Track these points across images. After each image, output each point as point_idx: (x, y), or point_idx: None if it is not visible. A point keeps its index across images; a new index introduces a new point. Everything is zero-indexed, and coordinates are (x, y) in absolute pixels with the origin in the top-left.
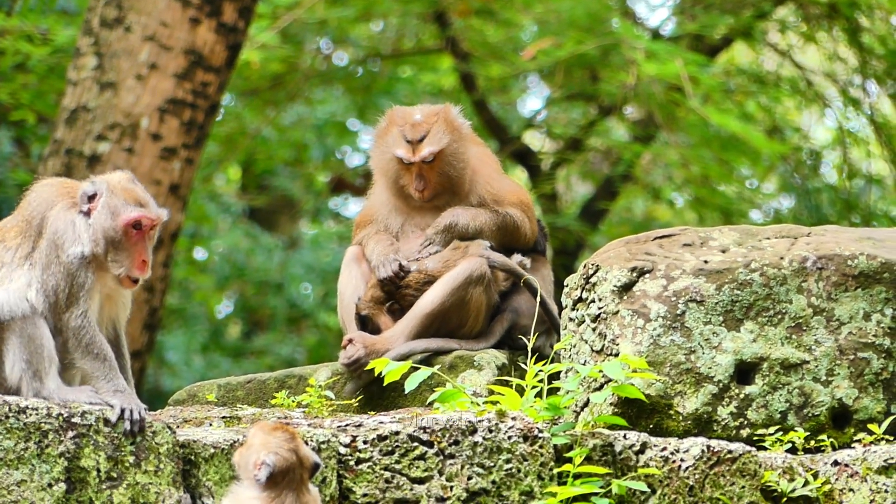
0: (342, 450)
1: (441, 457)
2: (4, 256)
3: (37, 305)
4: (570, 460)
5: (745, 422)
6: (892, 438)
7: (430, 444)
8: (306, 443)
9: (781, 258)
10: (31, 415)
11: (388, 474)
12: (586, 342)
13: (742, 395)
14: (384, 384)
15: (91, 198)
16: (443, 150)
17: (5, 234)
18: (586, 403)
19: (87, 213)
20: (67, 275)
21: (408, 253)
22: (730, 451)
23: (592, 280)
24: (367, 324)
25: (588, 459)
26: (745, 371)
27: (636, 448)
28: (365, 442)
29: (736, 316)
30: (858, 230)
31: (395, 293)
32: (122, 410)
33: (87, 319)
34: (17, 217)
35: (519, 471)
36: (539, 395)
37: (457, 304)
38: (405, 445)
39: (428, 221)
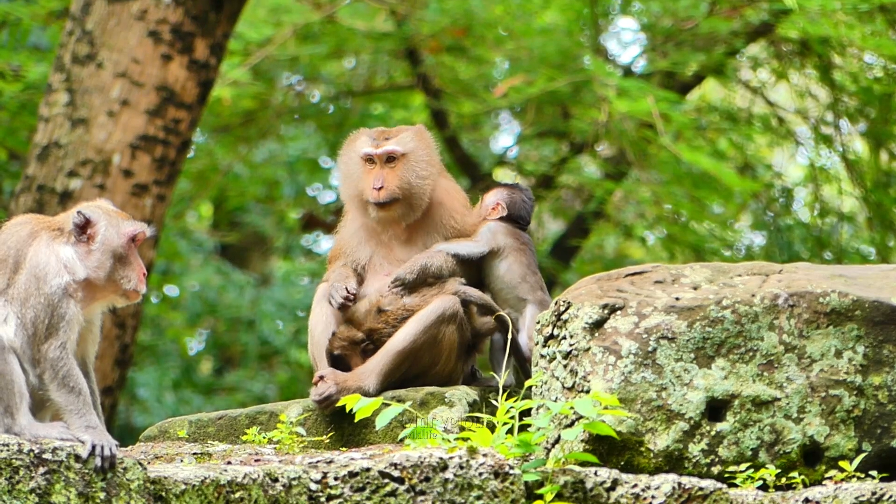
0: (313, 486)
1: (412, 493)
2: None
3: (7, 341)
4: (541, 497)
5: (717, 459)
6: (863, 476)
7: (400, 481)
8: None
9: (753, 295)
10: (1, 451)
11: None
12: (557, 379)
13: (713, 432)
14: (355, 420)
15: (83, 227)
16: (407, 154)
17: None
18: (557, 440)
19: (87, 241)
20: (48, 305)
21: (378, 290)
22: (701, 489)
23: (564, 317)
24: (338, 362)
25: (559, 496)
26: (716, 408)
27: (607, 485)
28: (336, 478)
29: (707, 353)
30: (830, 267)
31: (371, 332)
32: (94, 447)
33: (66, 351)
34: None
35: None
36: (510, 431)
37: (429, 343)
38: (376, 482)
39: (396, 254)
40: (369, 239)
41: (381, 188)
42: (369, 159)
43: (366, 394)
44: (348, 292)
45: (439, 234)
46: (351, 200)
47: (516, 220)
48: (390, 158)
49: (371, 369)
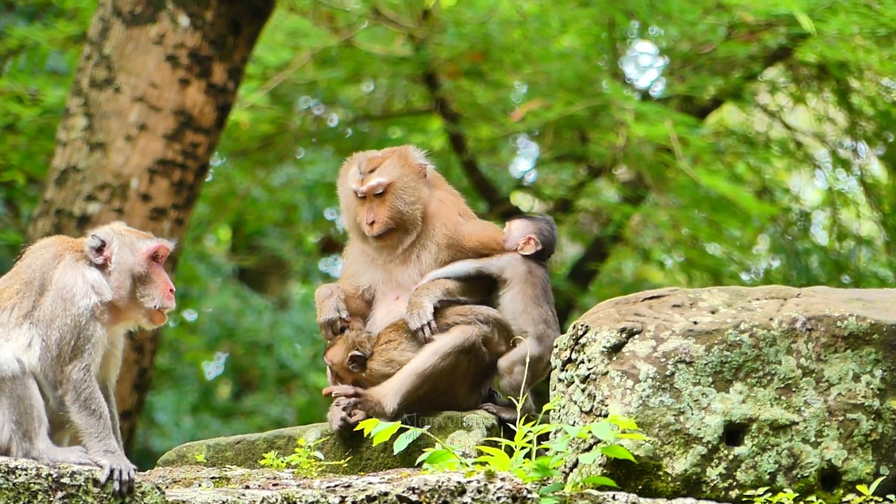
0: None
1: None
2: (1, 317)
3: (28, 365)
4: None
5: (734, 483)
6: (881, 500)
7: None
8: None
9: (771, 319)
10: (20, 475)
11: None
12: (575, 403)
13: (731, 456)
14: (373, 444)
15: (99, 249)
16: (392, 183)
17: None
18: (575, 464)
19: (103, 265)
20: (75, 327)
21: (386, 318)
22: None
23: (582, 341)
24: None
25: None
26: (734, 432)
27: None
28: (354, 502)
29: (725, 377)
30: (848, 291)
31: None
32: (112, 471)
33: (89, 374)
34: (11, 279)
35: None
36: (528, 455)
37: (448, 370)
38: None
39: (396, 277)
40: (370, 264)
41: (373, 223)
42: (357, 194)
43: (383, 413)
44: (339, 313)
45: (434, 245)
46: (350, 229)
47: (544, 255)
48: (376, 193)
49: (390, 389)
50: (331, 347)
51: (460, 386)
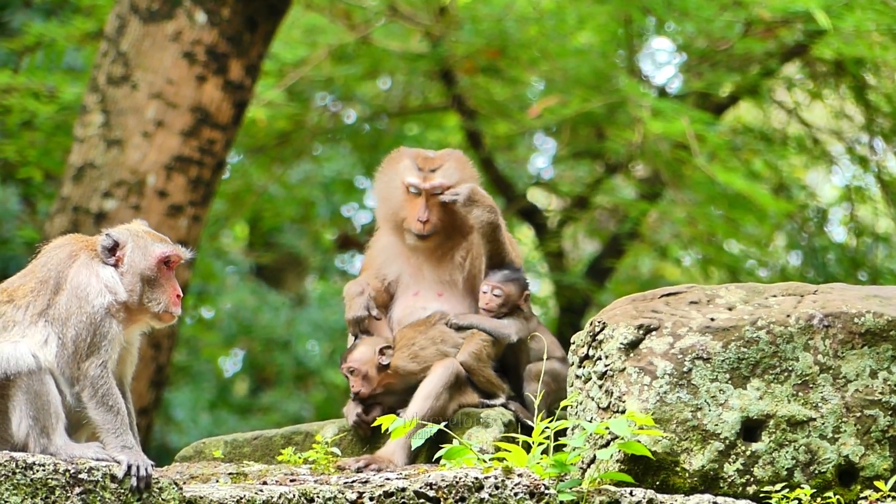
0: None
1: None
2: (16, 315)
3: (44, 361)
4: None
5: (752, 479)
6: None
7: (436, 501)
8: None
9: (788, 316)
10: (37, 471)
11: None
12: (593, 399)
13: (748, 452)
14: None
15: (112, 249)
16: (452, 187)
17: (13, 293)
18: (593, 460)
19: (115, 264)
20: (90, 324)
21: (403, 312)
22: None
23: (599, 337)
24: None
25: None
26: (751, 428)
27: None
28: (371, 498)
29: (742, 373)
30: (865, 288)
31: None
32: (129, 466)
33: (106, 370)
34: (26, 277)
35: None
36: (545, 451)
37: (445, 405)
38: (411, 502)
39: (424, 274)
40: (398, 256)
41: (427, 222)
42: (414, 189)
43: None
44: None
45: (467, 251)
46: (387, 221)
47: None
48: (438, 192)
49: (397, 444)
50: (352, 351)
51: (469, 400)
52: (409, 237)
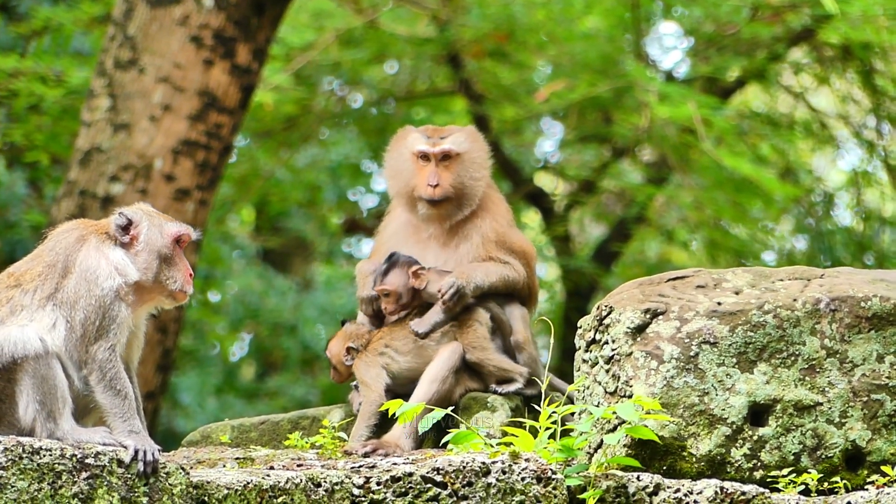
0: (356, 491)
1: (454, 498)
2: (23, 299)
3: (52, 345)
4: (583, 502)
5: (759, 463)
6: None
7: (443, 486)
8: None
9: (795, 300)
10: (44, 455)
11: None
12: (599, 384)
13: (755, 437)
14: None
15: (125, 228)
16: (461, 155)
17: (20, 277)
18: (600, 445)
19: (131, 242)
20: (99, 307)
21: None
22: (743, 493)
23: (606, 322)
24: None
25: (601, 501)
26: (758, 413)
27: (649, 490)
28: (378, 483)
29: (749, 358)
30: (872, 272)
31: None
32: (136, 451)
33: (115, 354)
34: (34, 261)
35: None
36: (552, 436)
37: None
38: (418, 487)
39: (432, 254)
40: (411, 236)
41: (436, 185)
42: (424, 156)
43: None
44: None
45: (479, 236)
46: (399, 196)
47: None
48: (445, 157)
49: (403, 428)
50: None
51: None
52: (422, 206)
